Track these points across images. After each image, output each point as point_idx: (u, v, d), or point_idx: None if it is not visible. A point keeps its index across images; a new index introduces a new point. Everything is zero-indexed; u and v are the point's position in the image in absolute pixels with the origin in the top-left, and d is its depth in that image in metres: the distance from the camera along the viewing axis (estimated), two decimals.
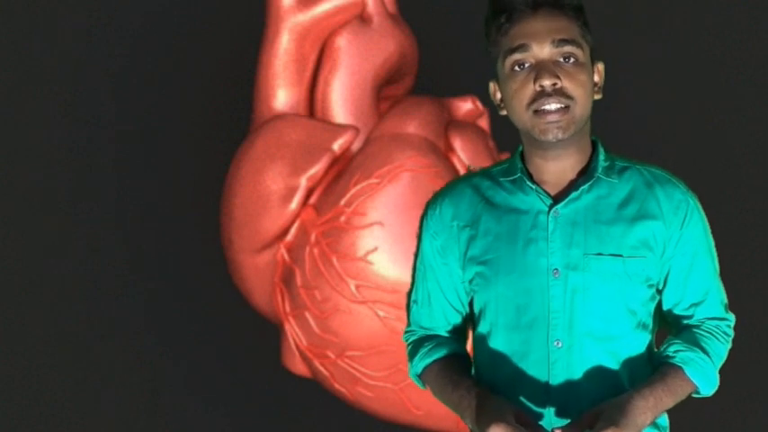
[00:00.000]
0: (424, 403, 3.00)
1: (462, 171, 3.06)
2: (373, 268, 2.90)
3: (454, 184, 1.73)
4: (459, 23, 3.56)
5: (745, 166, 3.73)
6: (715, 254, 1.66)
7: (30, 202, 3.75)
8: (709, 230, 1.65)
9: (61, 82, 3.75)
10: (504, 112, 1.63)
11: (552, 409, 1.57)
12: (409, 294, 1.78)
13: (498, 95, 1.64)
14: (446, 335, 1.72)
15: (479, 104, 3.22)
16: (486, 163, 3.06)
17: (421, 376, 1.71)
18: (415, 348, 1.72)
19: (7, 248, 3.74)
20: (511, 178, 1.64)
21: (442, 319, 1.72)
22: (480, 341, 1.67)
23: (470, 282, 1.65)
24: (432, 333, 1.73)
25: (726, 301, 1.66)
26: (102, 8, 3.74)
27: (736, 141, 3.73)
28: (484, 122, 3.24)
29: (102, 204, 3.79)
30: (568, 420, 1.53)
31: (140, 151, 3.80)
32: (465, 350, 1.73)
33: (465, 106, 3.22)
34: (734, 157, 3.72)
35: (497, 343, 1.62)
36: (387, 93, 3.22)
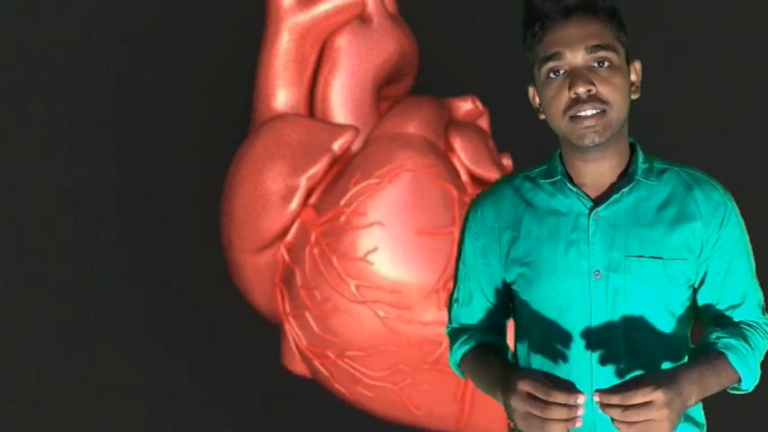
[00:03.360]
0: (424, 403, 3.00)
1: (462, 171, 3.06)
2: (373, 268, 2.89)
3: (495, 187, 1.75)
4: (459, 23, 3.56)
5: None
6: (752, 255, 1.67)
7: (30, 202, 3.75)
8: (745, 232, 1.66)
9: (61, 82, 3.75)
10: (543, 116, 1.64)
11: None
12: (452, 293, 1.81)
13: (537, 100, 1.65)
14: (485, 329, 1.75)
15: (479, 104, 3.22)
16: (485, 163, 3.06)
17: (460, 365, 1.74)
18: (453, 339, 1.76)
19: (7, 248, 3.75)
20: (551, 180, 1.66)
21: (481, 317, 1.75)
22: (522, 341, 1.69)
23: (513, 283, 1.68)
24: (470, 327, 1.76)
25: (762, 303, 1.67)
26: (102, 8, 3.74)
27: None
28: (484, 122, 3.24)
29: (102, 204, 3.79)
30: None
31: (140, 151, 3.80)
32: (502, 339, 1.75)
33: (465, 106, 3.22)
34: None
35: (539, 345, 1.64)
36: (387, 93, 3.21)
